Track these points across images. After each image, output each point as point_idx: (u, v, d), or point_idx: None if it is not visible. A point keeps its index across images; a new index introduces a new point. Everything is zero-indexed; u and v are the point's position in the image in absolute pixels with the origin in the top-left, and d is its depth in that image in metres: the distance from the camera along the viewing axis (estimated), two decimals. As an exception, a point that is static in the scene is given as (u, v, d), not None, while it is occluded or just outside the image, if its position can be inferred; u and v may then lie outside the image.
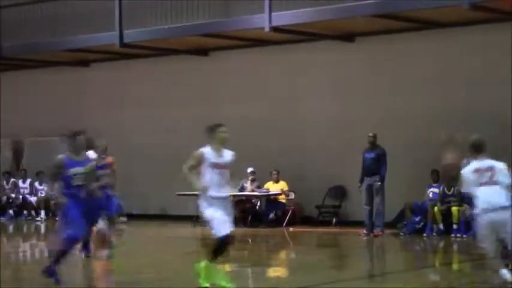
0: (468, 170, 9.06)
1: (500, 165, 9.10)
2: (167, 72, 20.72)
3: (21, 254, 14.72)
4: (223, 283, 8.85)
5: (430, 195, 16.45)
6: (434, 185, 16.49)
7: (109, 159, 19.33)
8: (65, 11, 20.11)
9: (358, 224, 16.70)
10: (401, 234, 16.23)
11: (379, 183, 16.15)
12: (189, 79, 20.40)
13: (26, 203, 21.71)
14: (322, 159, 18.27)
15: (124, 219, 20.03)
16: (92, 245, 11.58)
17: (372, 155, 16.29)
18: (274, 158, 18.68)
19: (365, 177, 16.31)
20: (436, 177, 16.39)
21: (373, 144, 16.39)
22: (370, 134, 16.39)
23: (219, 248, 8.89)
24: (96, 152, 12.45)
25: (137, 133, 20.95)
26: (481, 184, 8.94)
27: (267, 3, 16.82)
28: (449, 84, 16.92)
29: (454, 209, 15.85)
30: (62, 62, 22.10)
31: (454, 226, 15.80)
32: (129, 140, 20.81)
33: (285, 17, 16.86)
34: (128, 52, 20.51)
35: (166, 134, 20.35)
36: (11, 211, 21.74)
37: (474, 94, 16.48)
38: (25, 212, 21.67)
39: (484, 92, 16.37)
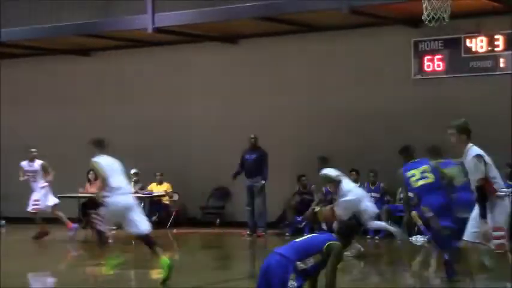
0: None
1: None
2: (47, 72, 20.25)
3: None
4: None
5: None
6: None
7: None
8: None
9: (242, 224, 16.84)
10: (287, 234, 16.37)
11: (260, 184, 16.33)
12: (71, 80, 20.00)
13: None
14: (206, 161, 18.31)
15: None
16: None
17: (253, 156, 16.46)
18: (158, 159, 18.57)
19: (246, 179, 16.46)
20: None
21: (255, 146, 16.56)
22: (252, 136, 16.56)
23: None
24: None
25: (16, 133, 20.41)
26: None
27: (149, 3, 16.72)
28: (329, 85, 17.27)
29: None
30: None
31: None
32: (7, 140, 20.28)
33: (168, 18, 16.81)
34: (4, 51, 19.97)
35: (50, 135, 19.91)
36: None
37: (352, 94, 16.95)
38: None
39: (361, 92, 16.86)
